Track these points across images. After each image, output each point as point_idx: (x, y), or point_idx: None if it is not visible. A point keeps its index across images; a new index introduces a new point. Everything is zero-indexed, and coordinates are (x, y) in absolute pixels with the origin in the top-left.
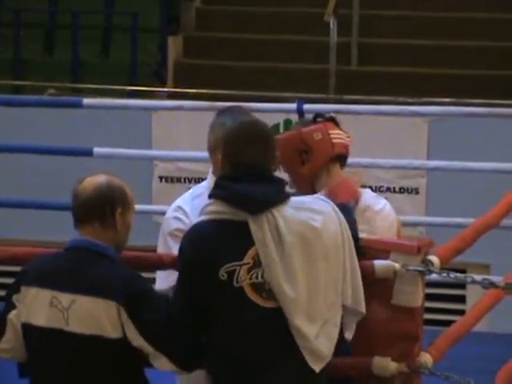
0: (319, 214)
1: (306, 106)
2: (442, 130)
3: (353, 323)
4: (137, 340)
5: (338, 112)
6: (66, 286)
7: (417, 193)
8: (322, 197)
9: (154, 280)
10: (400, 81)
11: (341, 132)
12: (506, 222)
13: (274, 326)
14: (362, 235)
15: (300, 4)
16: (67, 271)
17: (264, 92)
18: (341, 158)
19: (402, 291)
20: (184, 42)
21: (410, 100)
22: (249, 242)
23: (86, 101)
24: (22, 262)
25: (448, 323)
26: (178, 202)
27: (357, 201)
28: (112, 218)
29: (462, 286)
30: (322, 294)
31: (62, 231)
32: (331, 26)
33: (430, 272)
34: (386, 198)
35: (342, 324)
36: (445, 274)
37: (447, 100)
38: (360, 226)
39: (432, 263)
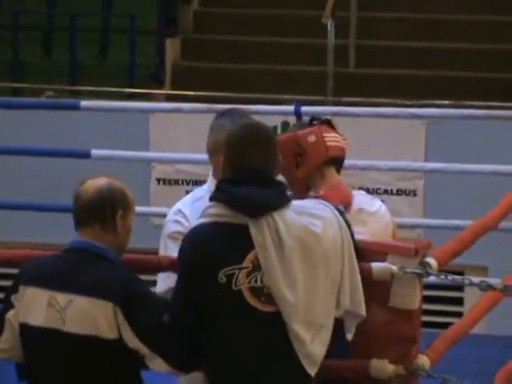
0: (319, 218)
1: (304, 109)
2: (440, 132)
3: (353, 325)
4: (133, 341)
5: (335, 114)
6: (64, 286)
7: (414, 195)
8: (323, 201)
9: (152, 282)
10: (398, 83)
11: (336, 135)
12: (503, 224)
13: (273, 330)
14: (359, 237)
15: (298, 6)
16: (66, 272)
17: (262, 94)
18: (336, 161)
19: (400, 293)
20: (182, 44)
21: (408, 102)
22: (249, 245)
23: (84, 103)
24: (19, 264)
25: (446, 325)
26: (179, 205)
27: (348, 205)
28: (113, 221)
29: (460, 288)
30: (321, 300)
31: (59, 233)
32: (329, 28)
33: (428, 274)
34: (383, 201)
35: (339, 326)
36: (442, 276)
37: (445, 102)
38: (354, 228)
39: (430, 265)
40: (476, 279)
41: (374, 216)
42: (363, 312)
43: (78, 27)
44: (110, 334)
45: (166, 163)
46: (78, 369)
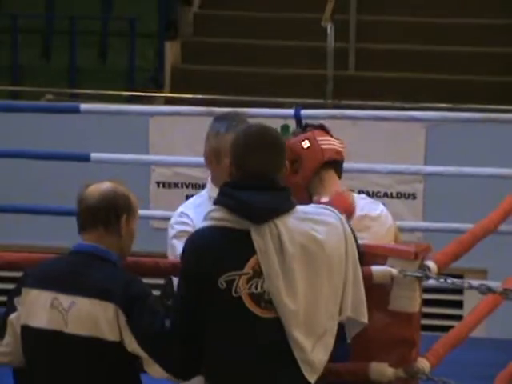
0: (323, 225)
1: (304, 112)
2: (440, 136)
3: (354, 332)
4: (132, 344)
5: (335, 117)
6: (67, 288)
7: (414, 198)
8: (330, 207)
9: (151, 285)
10: (398, 86)
11: (331, 138)
12: (503, 227)
13: (273, 337)
14: (359, 241)
15: (297, 9)
16: (69, 273)
17: (262, 97)
18: (334, 165)
19: (400, 297)
20: (181, 48)
21: (407, 105)
22: (250, 251)
23: (83, 106)
24: (19, 267)
25: (445, 329)
26: (181, 208)
27: (350, 214)
28: (117, 224)
29: (460, 291)
30: (323, 306)
31: (58, 236)
32: (328, 31)
33: (428, 277)
34: (384, 204)
35: (340, 330)
36: (442, 280)
37: (445, 105)
38: (358, 234)
39: (429, 269)
40: (476, 282)
41: (377, 220)
42: (365, 319)
43: (77, 30)
44: (111, 335)
45: (165, 166)
46: (78, 370)
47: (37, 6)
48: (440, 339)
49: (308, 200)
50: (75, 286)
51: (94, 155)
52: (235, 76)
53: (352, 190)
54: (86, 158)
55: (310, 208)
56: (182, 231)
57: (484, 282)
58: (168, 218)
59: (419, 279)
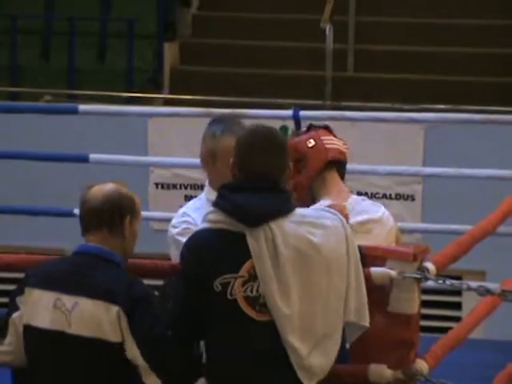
0: (321, 228)
1: (303, 113)
2: (439, 137)
3: (355, 336)
4: (132, 349)
5: (334, 118)
6: (71, 289)
7: (413, 199)
8: (332, 210)
9: (152, 287)
10: (396, 87)
11: (334, 138)
12: (502, 228)
13: (268, 340)
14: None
15: (296, 10)
16: (73, 274)
17: (261, 98)
18: (337, 165)
19: (399, 298)
20: (180, 49)
21: (406, 106)
22: (246, 254)
23: (82, 107)
24: (18, 268)
25: (444, 330)
26: (183, 210)
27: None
28: (120, 226)
29: (458, 292)
30: (322, 310)
31: (57, 238)
32: (327, 32)
33: (426, 279)
34: (383, 205)
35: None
36: (441, 281)
37: (443, 107)
38: (360, 237)
39: (428, 270)
40: (474, 284)
41: (379, 222)
42: (367, 323)
43: (76, 31)
44: (114, 337)
45: (164, 167)
46: (80, 371)
47: (36, 7)
48: (439, 341)
49: (310, 200)
50: (79, 286)
51: (92, 156)
52: (234, 77)
53: (351, 192)
54: (84, 159)
55: (309, 211)
56: (185, 228)
57: (482, 284)
58: (167, 220)
59: (418, 281)
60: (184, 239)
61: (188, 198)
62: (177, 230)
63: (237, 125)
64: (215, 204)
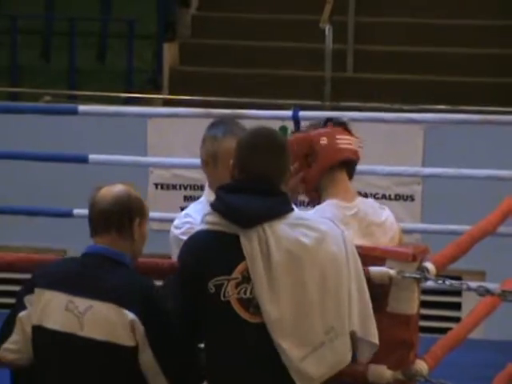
0: (316, 232)
1: (302, 113)
2: (438, 137)
3: (366, 355)
4: (145, 353)
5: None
6: (84, 291)
7: (412, 200)
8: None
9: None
10: (396, 88)
11: (350, 138)
12: (501, 229)
13: (262, 342)
14: (358, 243)
15: (295, 11)
16: (85, 276)
17: (260, 99)
18: (348, 165)
19: (398, 298)
20: (180, 49)
21: (405, 107)
22: (239, 256)
23: (82, 108)
24: (19, 269)
25: (444, 330)
26: (186, 211)
27: None
28: (130, 228)
29: (458, 293)
30: (318, 317)
31: (56, 238)
32: (327, 32)
33: (426, 279)
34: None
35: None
36: (440, 281)
37: (443, 107)
38: (361, 240)
39: (427, 270)
40: (474, 284)
41: (381, 226)
42: (375, 340)
43: (76, 32)
44: (127, 341)
45: (163, 168)
46: (91, 374)
47: (36, 7)
48: (438, 341)
49: (316, 196)
50: (92, 289)
51: (92, 157)
52: (233, 77)
53: (362, 194)
54: (84, 160)
55: (307, 214)
56: (189, 228)
57: (482, 284)
58: (166, 220)
59: (417, 281)
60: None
61: (187, 199)
62: (180, 231)
63: (238, 127)
64: (211, 206)
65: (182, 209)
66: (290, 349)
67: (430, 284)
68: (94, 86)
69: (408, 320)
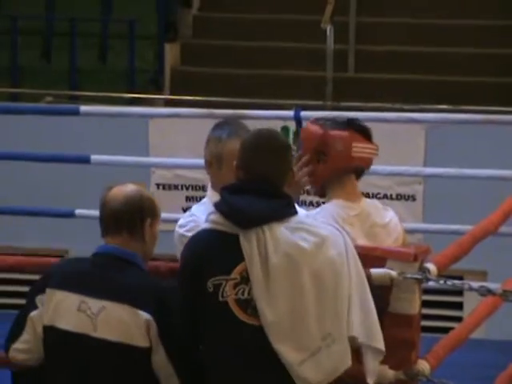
0: (316, 236)
1: (304, 113)
2: (439, 137)
3: (373, 364)
4: (159, 354)
5: None
6: (96, 292)
7: (414, 200)
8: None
9: None
10: (397, 88)
11: (366, 146)
12: (503, 228)
13: (260, 343)
14: (358, 243)
15: (297, 11)
16: (97, 277)
17: (261, 99)
18: (357, 171)
19: (400, 299)
20: (181, 49)
21: (407, 107)
22: (239, 256)
23: (83, 108)
24: (20, 270)
25: (445, 330)
26: (190, 211)
27: None
28: (141, 229)
29: (459, 292)
30: (314, 321)
31: (58, 239)
32: (328, 33)
33: (428, 279)
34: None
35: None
36: (442, 281)
37: (444, 107)
38: (364, 242)
39: (429, 270)
40: (475, 284)
41: (385, 227)
42: (381, 346)
43: (77, 32)
44: (141, 342)
45: (165, 168)
46: (105, 375)
47: (37, 8)
48: (440, 341)
49: (321, 190)
50: (104, 290)
51: (94, 157)
52: (235, 78)
53: (363, 194)
54: (86, 160)
55: (309, 218)
56: (194, 226)
57: (484, 284)
58: (169, 220)
59: (419, 281)
60: None
61: (189, 199)
62: (185, 228)
63: (242, 128)
64: (215, 205)
65: (184, 209)
66: (287, 352)
67: (431, 284)
68: (96, 87)
69: (410, 320)
